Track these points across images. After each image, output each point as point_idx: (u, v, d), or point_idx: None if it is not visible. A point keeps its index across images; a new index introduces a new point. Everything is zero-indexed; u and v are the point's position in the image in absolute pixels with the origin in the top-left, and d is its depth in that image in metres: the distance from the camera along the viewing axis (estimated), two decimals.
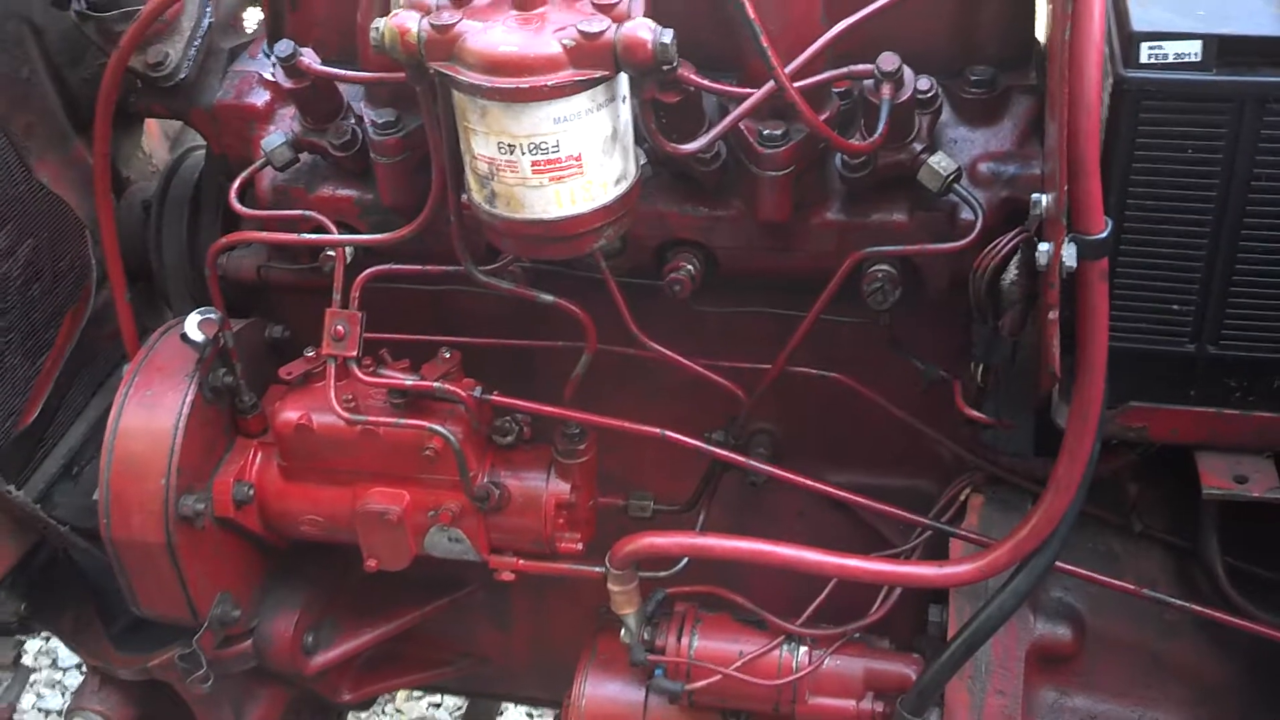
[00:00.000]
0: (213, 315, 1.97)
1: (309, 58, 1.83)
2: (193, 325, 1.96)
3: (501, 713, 3.60)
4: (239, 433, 2.08)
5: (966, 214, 1.77)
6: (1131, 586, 1.92)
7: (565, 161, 1.54)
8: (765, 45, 1.57)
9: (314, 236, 1.92)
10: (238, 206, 1.94)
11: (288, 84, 1.85)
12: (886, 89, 1.65)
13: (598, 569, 1.95)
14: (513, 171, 1.55)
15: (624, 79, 1.56)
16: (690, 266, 1.88)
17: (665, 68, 1.51)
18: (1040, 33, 1.88)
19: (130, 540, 1.98)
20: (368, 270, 1.88)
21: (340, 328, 1.86)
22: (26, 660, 3.85)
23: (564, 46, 1.49)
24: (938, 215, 1.80)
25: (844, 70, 1.70)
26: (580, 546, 2.00)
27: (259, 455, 2.05)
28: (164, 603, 2.05)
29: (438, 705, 3.79)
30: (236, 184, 1.95)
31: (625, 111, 1.58)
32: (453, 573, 2.21)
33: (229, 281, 2.10)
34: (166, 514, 1.95)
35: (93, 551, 2.13)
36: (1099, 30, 1.38)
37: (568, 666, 2.10)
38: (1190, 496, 1.77)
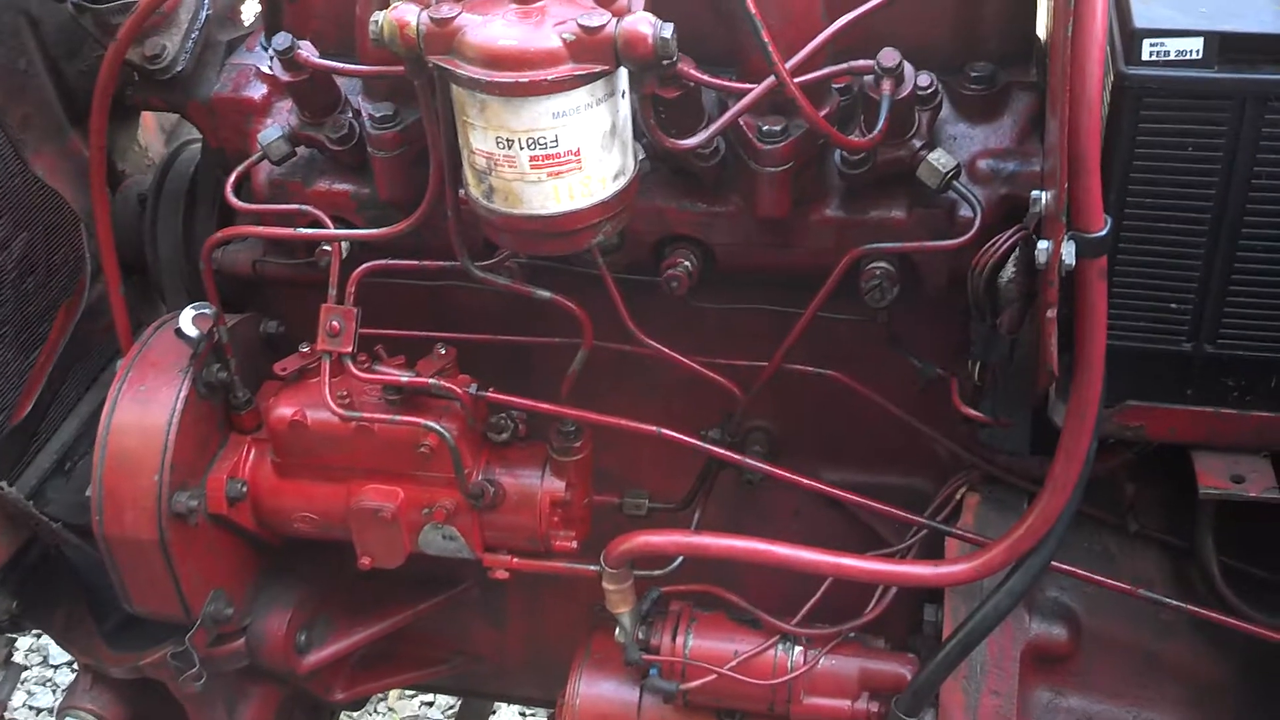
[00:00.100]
0: (207, 310, 1.96)
1: (307, 51, 1.82)
2: (187, 320, 1.95)
3: (494, 712, 3.59)
4: (233, 429, 2.07)
5: (965, 211, 1.77)
6: (1127, 586, 1.92)
7: (564, 156, 1.54)
8: (766, 40, 1.57)
9: (310, 231, 1.91)
10: (234, 200, 1.93)
11: (285, 77, 1.84)
12: (887, 85, 1.65)
13: (593, 567, 1.95)
14: (511, 166, 1.55)
15: (623, 74, 1.55)
16: (688, 262, 1.87)
17: (665, 62, 1.51)
18: (1041, 29, 1.88)
19: (123, 537, 1.97)
20: (364, 265, 1.87)
21: (335, 323, 1.85)
22: (17, 658, 3.83)
23: (564, 41, 1.48)
24: (937, 212, 1.80)
25: (844, 66, 1.69)
26: (575, 545, 1.99)
27: (253, 451, 2.05)
28: (156, 600, 2.04)
29: (430, 704, 3.78)
30: (233, 178, 1.94)
31: (624, 106, 1.58)
32: (447, 571, 2.21)
33: (224, 276, 2.10)
34: (159, 510, 1.94)
35: (85, 548, 2.12)
36: (1101, 27, 1.38)
37: (562, 665, 2.10)
38: (1187, 496, 1.76)
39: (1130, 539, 1.99)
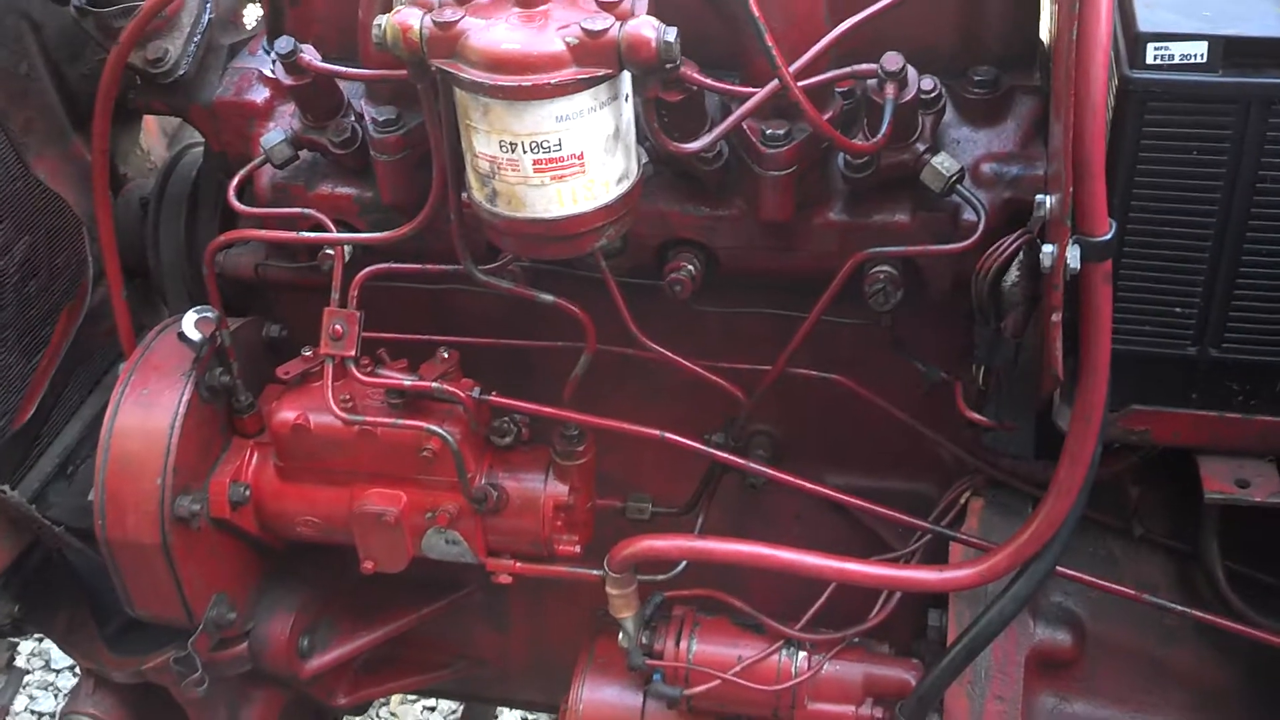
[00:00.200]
0: (210, 314, 1.96)
1: (309, 54, 1.82)
2: (190, 324, 1.94)
3: (497, 716, 3.59)
4: (235, 432, 2.07)
5: (969, 215, 1.76)
6: (1132, 591, 1.92)
7: (567, 160, 1.53)
8: (770, 44, 1.57)
9: (313, 235, 1.91)
10: (236, 204, 1.93)
11: (288, 81, 1.84)
12: (890, 89, 1.65)
13: (596, 572, 1.94)
14: (514, 170, 1.54)
15: (627, 77, 1.55)
16: (691, 266, 1.87)
17: (668, 66, 1.50)
18: (1044, 33, 1.88)
19: (125, 541, 1.96)
20: (366, 269, 1.87)
21: (338, 327, 1.85)
22: (19, 662, 3.83)
23: (567, 44, 1.48)
24: (940, 216, 1.79)
25: (848, 70, 1.69)
26: (578, 549, 1.99)
27: (255, 455, 2.04)
28: (159, 604, 2.03)
29: (432, 709, 3.77)
30: (235, 181, 1.94)
31: (628, 110, 1.58)
32: (450, 575, 2.20)
33: (226, 279, 2.09)
34: (162, 514, 1.94)
35: (87, 552, 2.12)
36: (1106, 31, 1.38)
37: (565, 670, 2.09)
38: (1191, 501, 1.76)
39: (1135, 544, 1.99)
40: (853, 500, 1.96)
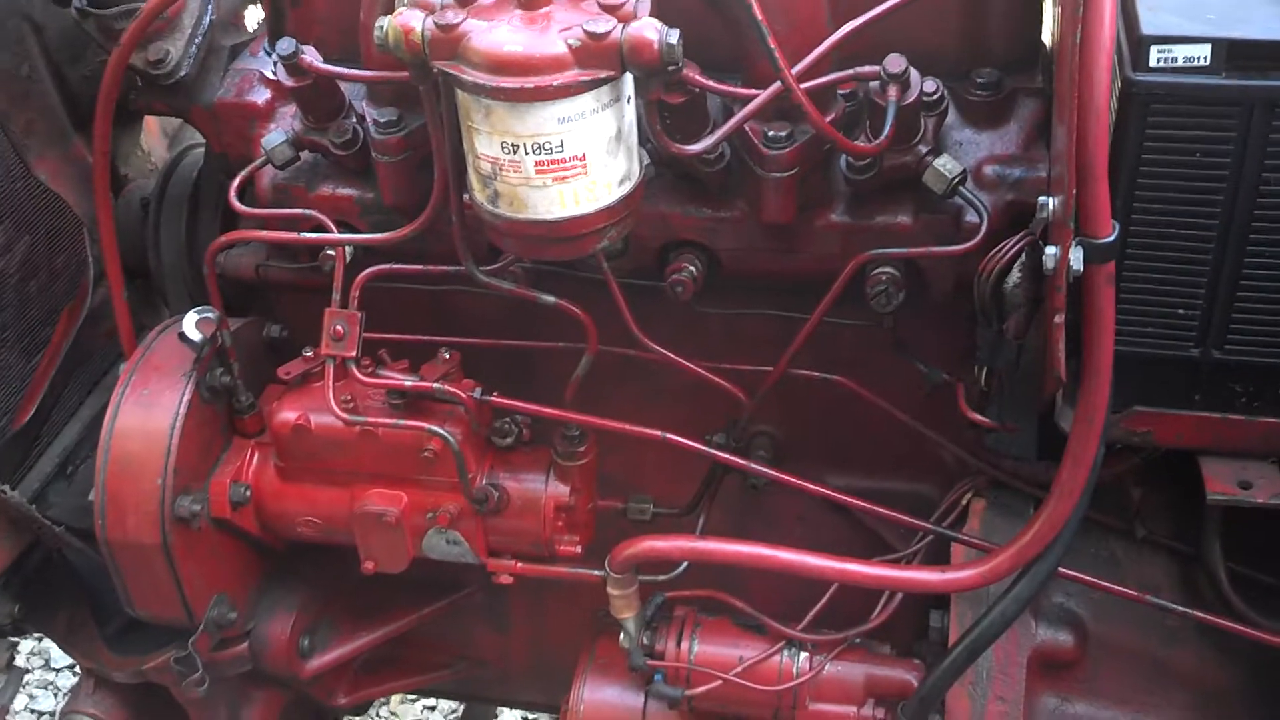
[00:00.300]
0: (210, 314, 1.95)
1: (310, 56, 1.82)
2: (190, 324, 1.94)
3: (497, 716, 3.59)
4: (236, 433, 2.06)
5: (971, 217, 1.77)
6: (1134, 592, 1.92)
7: (569, 162, 1.53)
8: (772, 46, 1.56)
9: (314, 235, 1.90)
10: (237, 205, 1.93)
11: (289, 82, 1.84)
12: (893, 91, 1.65)
13: (597, 572, 1.94)
14: (516, 171, 1.54)
15: (629, 79, 1.55)
16: (693, 268, 1.87)
17: (671, 68, 1.50)
18: (1047, 35, 1.87)
19: (125, 541, 1.96)
20: (368, 270, 1.86)
21: (339, 327, 1.85)
22: (19, 661, 3.83)
23: (569, 46, 1.48)
24: (942, 218, 1.79)
25: (850, 72, 1.69)
26: (579, 549, 1.98)
27: (256, 456, 2.04)
28: (159, 604, 2.03)
29: (432, 709, 3.77)
30: (236, 182, 1.94)
31: (630, 112, 1.57)
32: (451, 575, 2.20)
33: (227, 280, 2.09)
34: (162, 515, 1.94)
35: (87, 552, 2.12)
36: (1109, 34, 1.38)
37: (566, 670, 2.09)
38: (1194, 502, 1.76)
39: (1137, 545, 1.99)
40: (854, 501, 1.96)
